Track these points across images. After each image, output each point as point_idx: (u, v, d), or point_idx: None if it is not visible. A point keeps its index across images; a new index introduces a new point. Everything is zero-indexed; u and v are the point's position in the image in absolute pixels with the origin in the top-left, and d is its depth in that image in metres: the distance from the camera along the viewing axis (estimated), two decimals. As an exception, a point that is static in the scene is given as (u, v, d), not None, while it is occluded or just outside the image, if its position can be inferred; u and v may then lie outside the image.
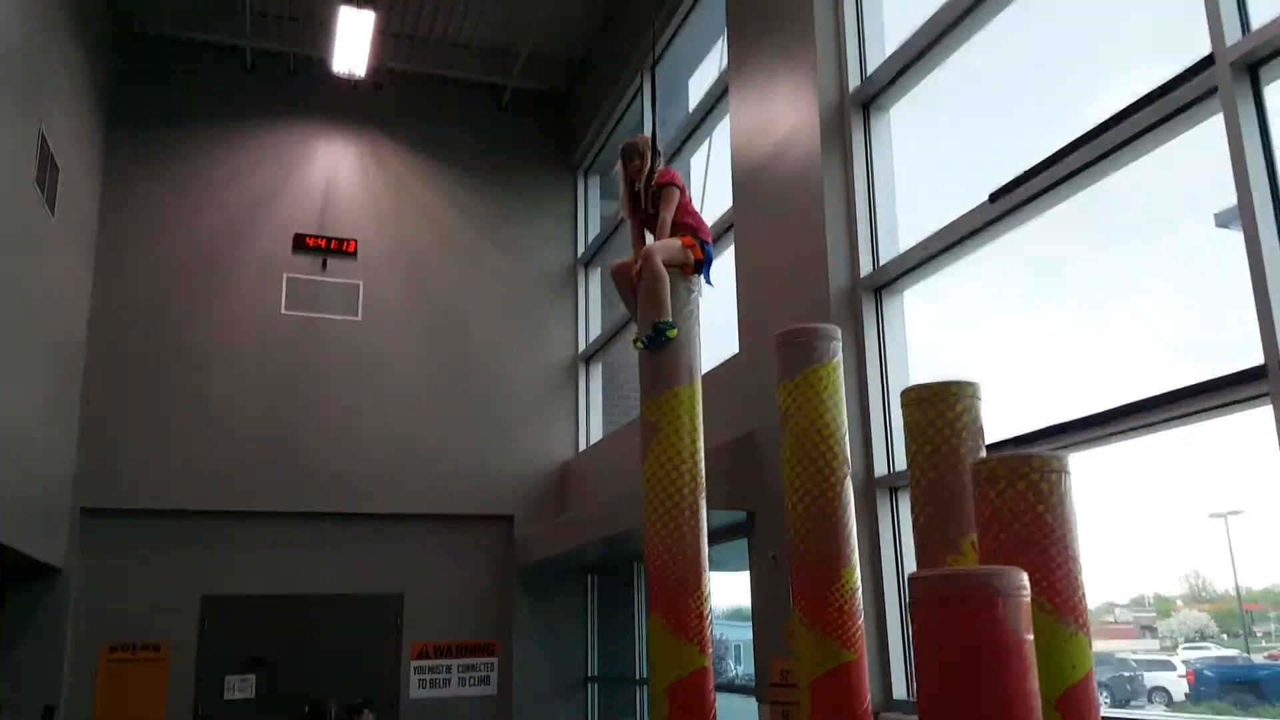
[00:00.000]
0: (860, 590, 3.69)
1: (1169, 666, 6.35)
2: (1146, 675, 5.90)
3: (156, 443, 9.33)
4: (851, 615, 3.59)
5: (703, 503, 4.02)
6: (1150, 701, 5.62)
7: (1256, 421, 3.60)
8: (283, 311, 9.94)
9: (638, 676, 9.52)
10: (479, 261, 10.84)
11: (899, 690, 5.16)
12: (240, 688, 9.41)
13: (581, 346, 11.00)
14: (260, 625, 9.56)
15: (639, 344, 4.06)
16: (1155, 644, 5.57)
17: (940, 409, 3.37)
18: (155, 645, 9.20)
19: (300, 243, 10.12)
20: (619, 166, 4.55)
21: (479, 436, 10.39)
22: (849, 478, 3.76)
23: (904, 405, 3.49)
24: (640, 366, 4.20)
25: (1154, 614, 5.51)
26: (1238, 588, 4.93)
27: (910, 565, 5.35)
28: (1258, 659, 5.21)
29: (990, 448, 3.52)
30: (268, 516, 9.66)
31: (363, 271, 10.31)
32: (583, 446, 10.72)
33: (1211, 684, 5.47)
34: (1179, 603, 5.49)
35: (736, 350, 6.83)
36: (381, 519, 10.02)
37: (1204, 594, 5.25)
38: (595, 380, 10.94)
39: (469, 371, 10.52)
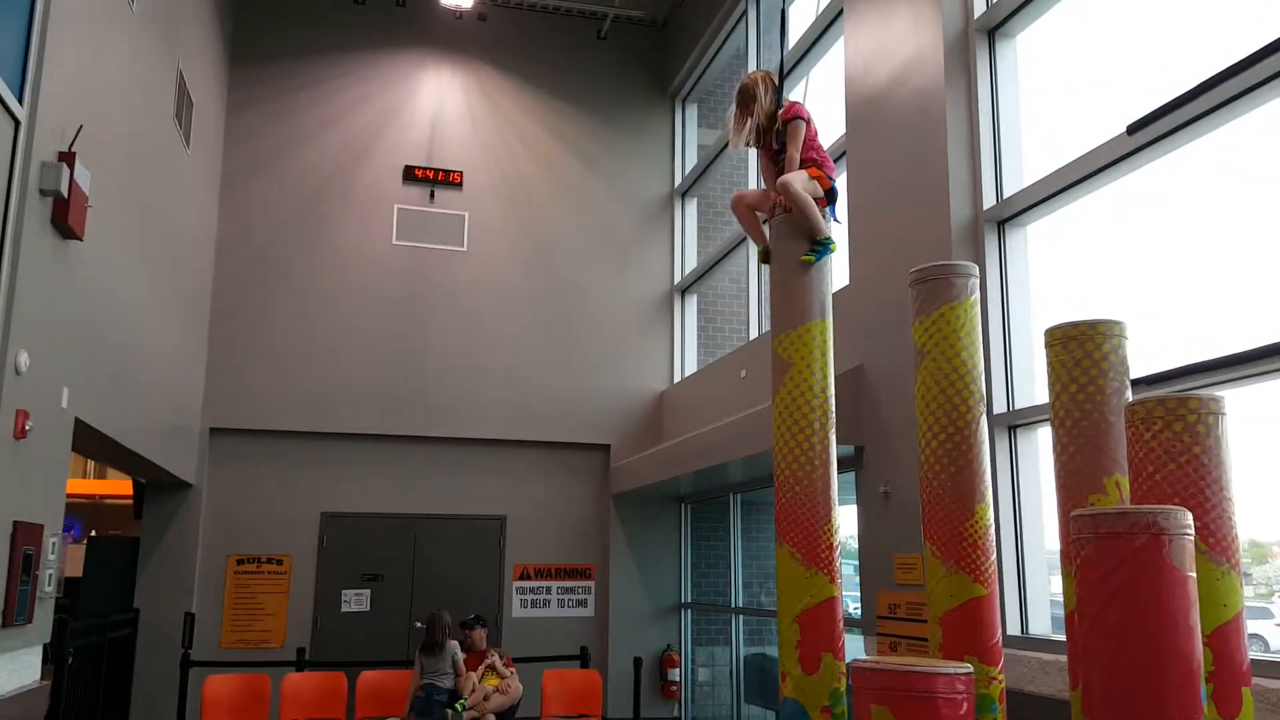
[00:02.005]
0: (992, 528, 3.74)
1: (1266, 614, 6.24)
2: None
3: (277, 368, 9.79)
4: (985, 551, 3.64)
5: (833, 437, 4.09)
6: (1245, 649, 5.56)
7: None
8: (394, 242, 10.21)
9: (732, 604, 9.77)
10: (578, 192, 10.93)
11: (1012, 625, 5.22)
12: (356, 601, 9.95)
13: (678, 278, 11.05)
14: (374, 542, 10.05)
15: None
16: (1250, 591, 5.48)
17: (1087, 348, 3.35)
18: (279, 559, 9.76)
19: (410, 174, 10.36)
20: (734, 110, 4.50)
21: (577, 366, 10.61)
22: (984, 415, 3.78)
23: (1048, 344, 3.47)
24: (771, 301, 4.24)
25: (1248, 560, 5.42)
26: None
27: (1029, 505, 5.36)
28: None
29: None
30: (380, 439, 10.09)
31: (468, 202, 10.50)
32: (677, 378, 10.85)
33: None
34: (1276, 548, 5.39)
35: (846, 283, 6.80)
36: (485, 444, 10.37)
37: None
38: (690, 312, 11.01)
39: (567, 302, 10.70)
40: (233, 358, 9.69)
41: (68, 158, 4.84)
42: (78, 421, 5.42)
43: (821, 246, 4.14)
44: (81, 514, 12.97)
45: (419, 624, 7.85)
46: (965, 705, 2.35)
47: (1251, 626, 5.92)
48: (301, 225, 10.09)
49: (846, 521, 6.81)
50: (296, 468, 9.89)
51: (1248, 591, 5.46)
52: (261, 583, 9.69)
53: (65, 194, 4.78)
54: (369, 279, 10.17)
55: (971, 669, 2.43)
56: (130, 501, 9.82)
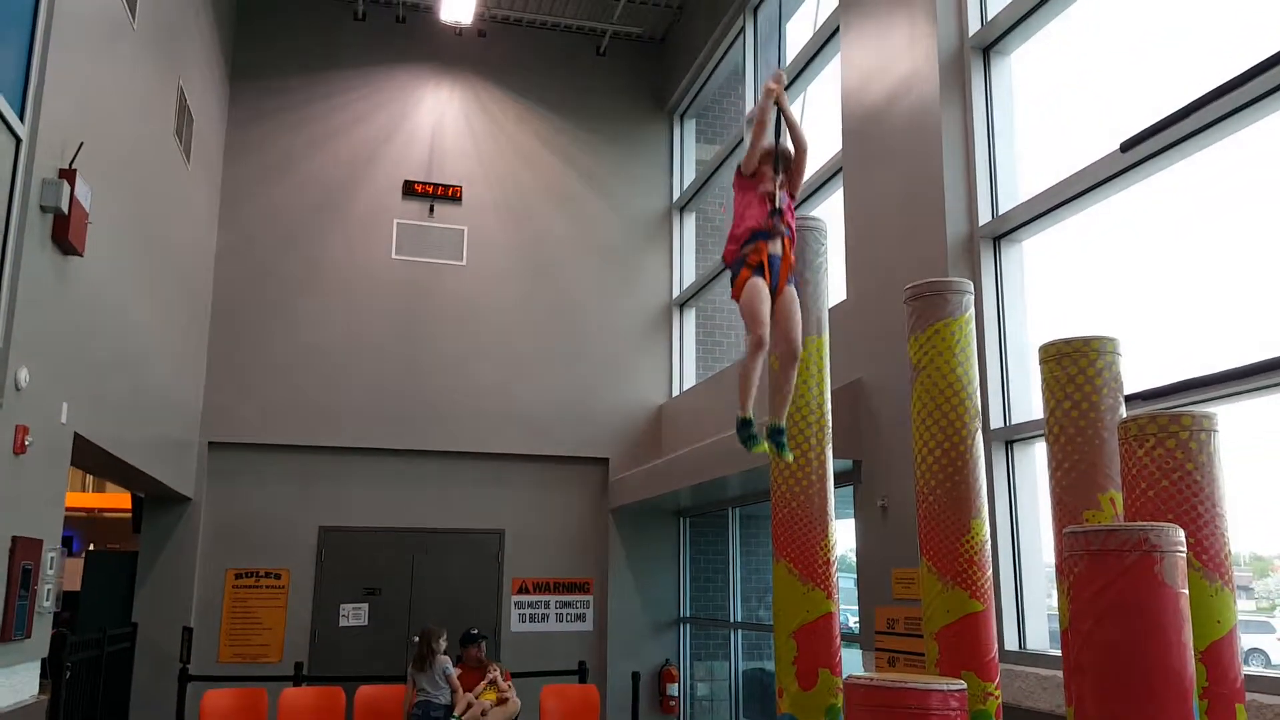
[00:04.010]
0: (988, 543, 3.75)
1: (1268, 629, 6.22)
2: (1243, 637, 5.88)
3: (276, 382, 9.82)
4: (981, 566, 3.65)
5: (829, 452, 4.11)
6: (1246, 664, 5.55)
7: None
8: (393, 256, 10.24)
9: (730, 619, 9.76)
10: (576, 206, 10.98)
11: (1010, 640, 5.22)
12: (354, 615, 9.94)
13: (676, 292, 11.08)
14: (373, 557, 10.05)
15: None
16: (1252, 605, 5.48)
17: (1081, 364, 3.38)
18: (277, 573, 9.75)
19: (409, 189, 10.40)
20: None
21: (576, 380, 10.63)
22: (979, 431, 3.80)
23: (1043, 360, 3.50)
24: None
25: (1250, 574, 5.42)
26: None
27: (1026, 519, 5.37)
28: None
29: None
30: (379, 453, 10.11)
31: (467, 217, 10.55)
32: (676, 391, 10.87)
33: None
34: (1277, 563, 5.38)
35: (844, 297, 6.83)
36: (484, 458, 10.38)
37: None
38: (689, 325, 11.05)
39: (566, 316, 10.74)
40: (231, 372, 9.71)
41: (68, 174, 4.87)
42: (77, 436, 5.43)
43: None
44: (79, 527, 12.95)
45: (415, 638, 7.83)
46: (959, 721, 2.36)
47: (1253, 641, 5.89)
48: (301, 240, 10.13)
49: (845, 536, 6.83)
50: (295, 481, 9.90)
51: (1249, 605, 5.47)
52: (259, 596, 9.68)
53: (66, 210, 4.81)
54: (368, 293, 10.21)
55: (965, 685, 2.44)
56: (129, 515, 9.81)
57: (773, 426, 3.84)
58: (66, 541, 8.89)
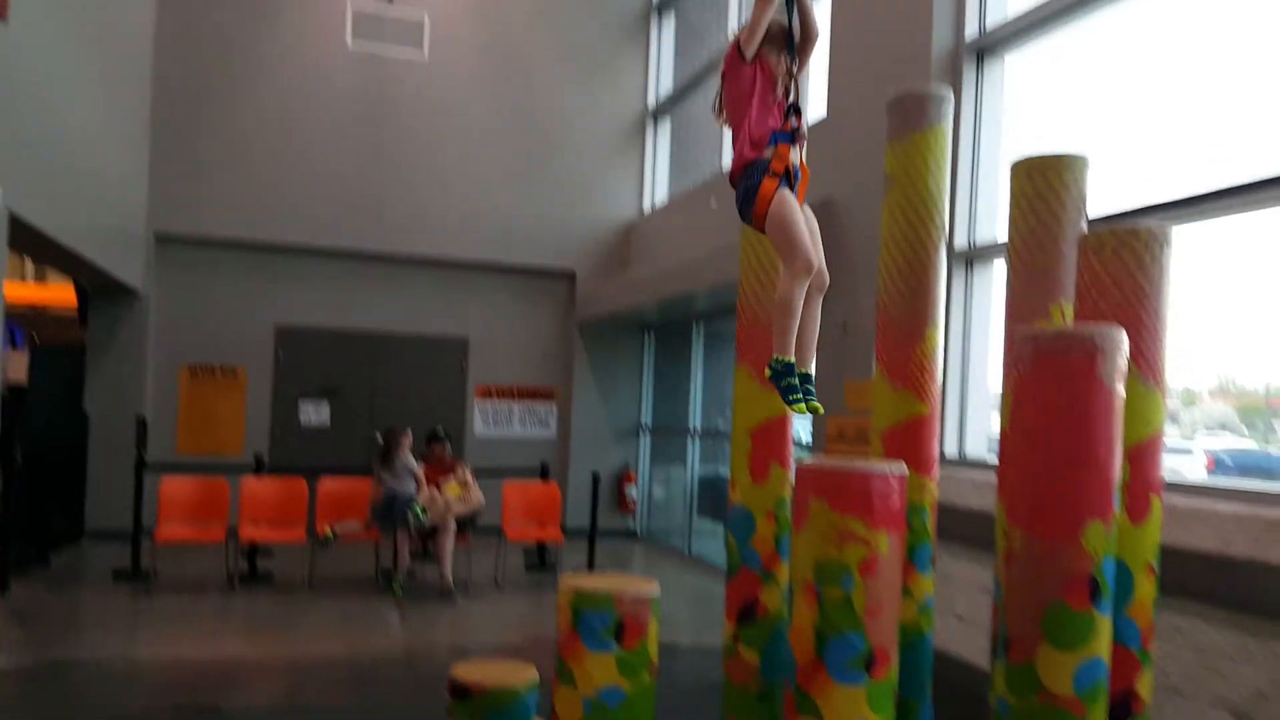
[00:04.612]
0: (940, 351, 3.87)
1: (1188, 452, 6.61)
2: (1165, 460, 6.26)
3: (226, 174, 9.54)
4: (930, 372, 3.78)
5: (795, 260, 4.14)
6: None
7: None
8: (349, 46, 9.73)
9: (690, 427, 10.10)
10: (548, 1, 10.44)
11: (950, 449, 5.49)
12: (315, 414, 10.13)
13: (652, 101, 10.77)
14: (332, 358, 10.14)
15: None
16: (1175, 431, 5.77)
17: (1050, 180, 3.39)
18: (233, 370, 9.83)
19: (365, -30, 9.77)
20: None
21: (544, 190, 10.46)
22: (944, 243, 3.84)
23: (1013, 176, 3.51)
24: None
25: (1179, 404, 5.68)
26: (1267, 385, 5.05)
27: (977, 340, 5.53)
28: (1275, 452, 5.41)
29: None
30: (337, 254, 10.02)
31: (428, 2, 9.95)
32: (647, 207, 10.77)
33: (1229, 470, 5.74)
34: (1206, 395, 5.64)
35: (823, 115, 6.70)
36: (448, 265, 10.34)
37: (1231, 388, 5.38)
38: (664, 138, 10.81)
39: (535, 122, 10.43)
40: (178, 160, 9.39)
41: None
42: (12, 217, 5.30)
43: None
44: (23, 322, 12.81)
45: (378, 437, 8.04)
46: (897, 501, 2.51)
47: (1173, 463, 6.27)
48: (247, 19, 9.56)
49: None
50: (250, 278, 9.82)
51: (1174, 431, 5.77)
52: (216, 392, 9.79)
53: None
54: (324, 84, 9.79)
55: (905, 469, 2.58)
56: (75, 312, 9.72)
57: (803, 375, 3.17)
58: (9, 334, 8.82)
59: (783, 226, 3.02)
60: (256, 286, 9.85)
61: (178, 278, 9.57)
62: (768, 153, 3.10)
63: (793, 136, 3.12)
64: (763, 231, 3.16)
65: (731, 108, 3.24)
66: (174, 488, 7.51)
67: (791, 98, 3.18)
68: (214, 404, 9.75)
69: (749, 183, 3.12)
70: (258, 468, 8.23)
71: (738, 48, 3.15)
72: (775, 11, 3.12)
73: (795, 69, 3.18)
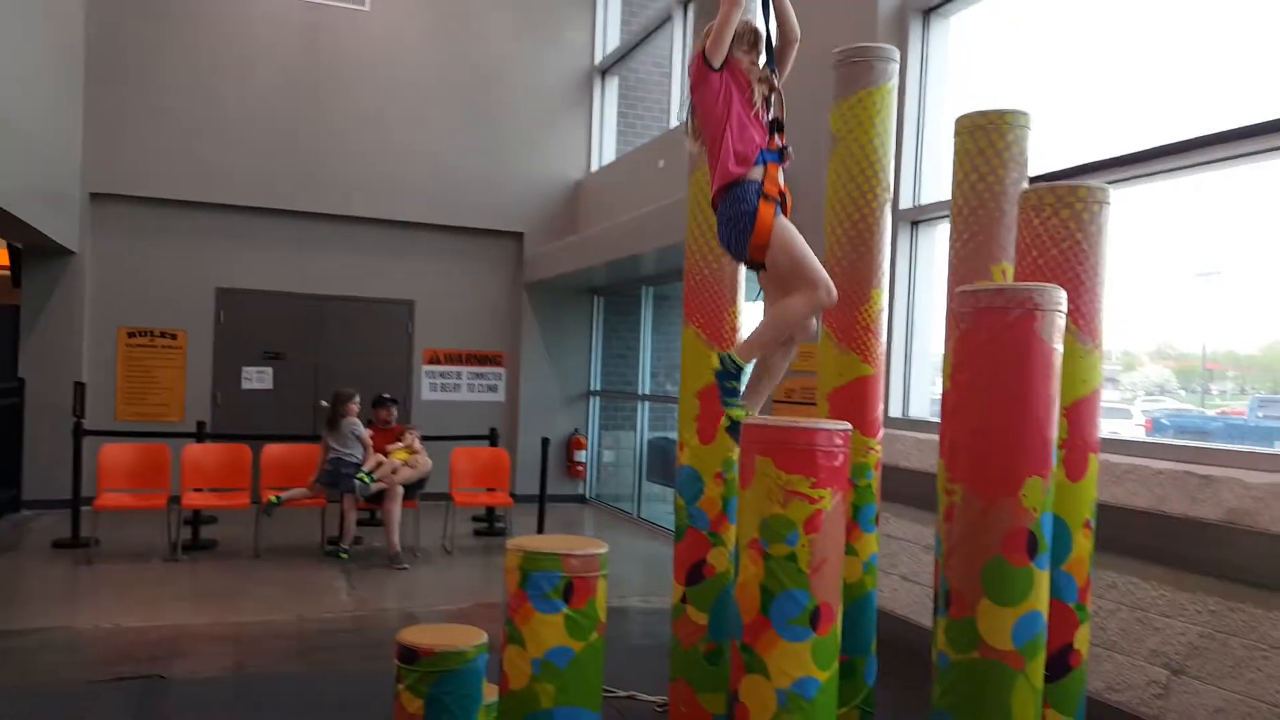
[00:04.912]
0: (885, 312, 3.89)
1: (1127, 415, 6.82)
2: (1105, 422, 6.44)
3: (163, 132, 9.24)
4: (875, 333, 3.80)
5: (742, 220, 4.12)
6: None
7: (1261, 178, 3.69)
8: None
9: (639, 392, 10.10)
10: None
11: (895, 410, 5.56)
12: (258, 378, 9.94)
13: (599, 57, 10.62)
14: (275, 321, 9.94)
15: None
16: (1116, 395, 5.92)
17: (992, 138, 3.40)
18: (172, 333, 9.59)
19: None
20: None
21: (490, 148, 10.30)
22: (889, 203, 3.85)
23: (957, 133, 3.51)
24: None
25: (1119, 368, 5.82)
26: (1204, 348, 5.20)
27: (921, 303, 5.58)
28: (1210, 414, 5.58)
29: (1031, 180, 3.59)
30: (279, 214, 9.78)
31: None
32: (595, 167, 10.66)
33: (1166, 432, 5.91)
34: (1145, 358, 5.78)
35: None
36: (392, 226, 10.16)
37: (1170, 352, 5.52)
38: (611, 95, 10.68)
39: (480, 78, 10.25)
40: (113, 118, 9.06)
41: None
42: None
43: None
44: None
45: (324, 402, 7.91)
46: (841, 459, 2.52)
47: (1113, 425, 6.45)
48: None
49: (757, 317, 7.01)
50: (188, 240, 9.55)
51: (1114, 395, 5.91)
52: (155, 356, 9.55)
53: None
54: (263, 36, 9.50)
55: (850, 426, 2.59)
56: (8, 273, 9.39)
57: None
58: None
59: (792, 253, 2.77)
60: (196, 247, 9.58)
61: (115, 238, 9.27)
62: (756, 173, 2.79)
63: (780, 155, 2.86)
64: (760, 266, 2.87)
65: (705, 123, 2.89)
66: (114, 454, 7.33)
67: (773, 112, 2.89)
68: (154, 368, 9.51)
69: (740, 208, 2.78)
70: (200, 434, 8.06)
71: (703, 57, 2.82)
72: (744, 12, 2.82)
73: (776, 79, 2.90)
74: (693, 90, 2.90)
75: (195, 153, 9.32)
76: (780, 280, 2.80)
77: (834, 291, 2.76)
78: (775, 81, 2.89)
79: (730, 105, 2.79)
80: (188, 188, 9.36)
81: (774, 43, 2.90)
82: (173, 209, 9.44)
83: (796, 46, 3.00)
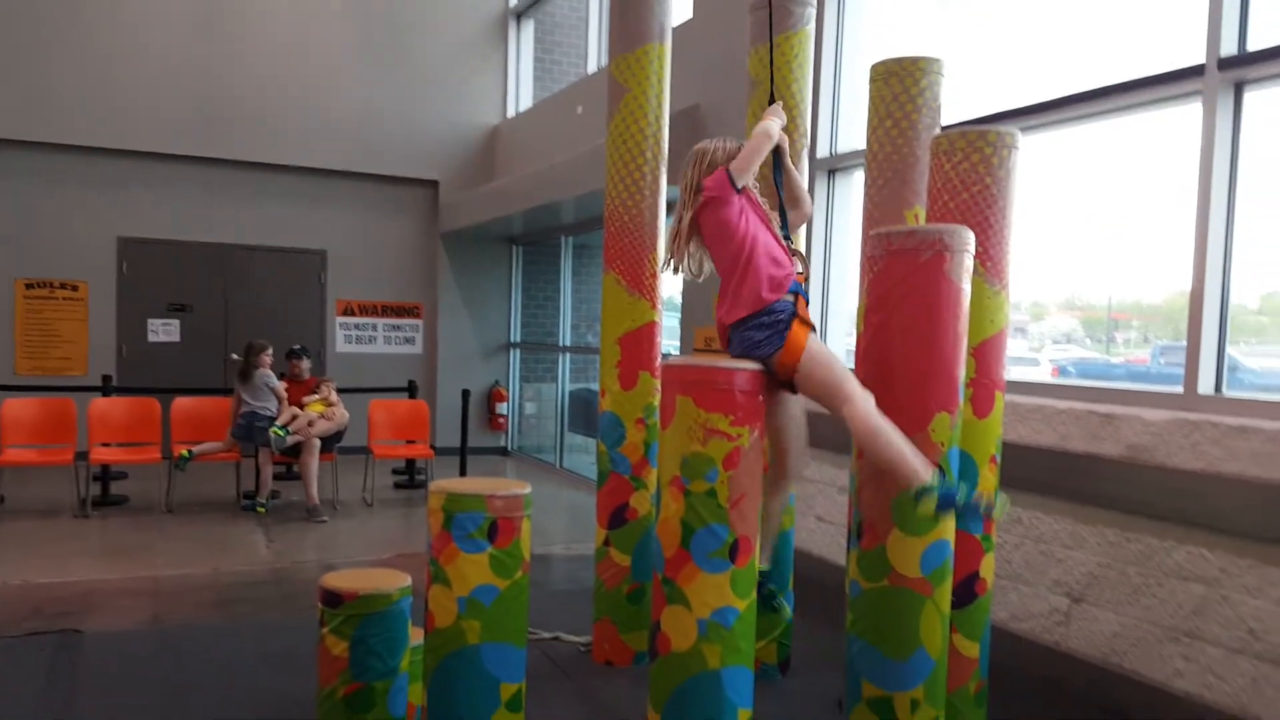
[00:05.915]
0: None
1: (1035, 363, 7.12)
2: (1013, 369, 6.71)
3: (63, 74, 8.76)
4: (793, 277, 3.87)
5: (663, 173, 4.12)
6: (1014, 392, 6.34)
7: (1177, 124, 3.86)
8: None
9: (560, 343, 10.09)
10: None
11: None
12: (165, 331, 9.61)
13: (513, 0, 10.41)
14: (181, 272, 9.60)
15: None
16: (1025, 344, 6.15)
17: (906, 84, 3.45)
18: (73, 285, 9.18)
19: None
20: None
21: (403, 92, 10.04)
22: (806, 150, 3.89)
23: (872, 80, 3.55)
24: (611, 22, 4.09)
25: (1028, 318, 6.05)
26: (1110, 298, 5.44)
27: (840, 244, 5.69)
28: (1115, 361, 5.86)
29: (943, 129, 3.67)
30: (183, 161, 9.39)
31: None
32: (511, 112, 10.49)
33: (1072, 378, 6.19)
34: (1053, 309, 6.01)
35: (690, 16, 6.62)
36: (301, 172, 9.85)
37: (1077, 303, 5.75)
38: (527, 39, 10.49)
39: (393, 19, 9.95)
40: (7, 59, 8.54)
41: None
42: None
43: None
44: None
45: (235, 356, 7.69)
46: (759, 396, 2.58)
47: (1022, 374, 6.73)
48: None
49: (673, 282, 7.05)
50: (88, 187, 9.11)
51: (1022, 345, 6.14)
52: (56, 309, 9.14)
53: None
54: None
55: (763, 367, 2.65)
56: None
57: (763, 572, 2.92)
58: None
59: (827, 364, 2.62)
60: (96, 195, 9.15)
61: (9, 185, 8.79)
62: (788, 298, 2.67)
63: (802, 288, 2.76)
64: (791, 386, 2.73)
65: (720, 242, 2.74)
66: (16, 409, 7.04)
67: (789, 238, 2.87)
68: (54, 321, 9.11)
69: (769, 331, 2.63)
70: (105, 387, 7.77)
71: (729, 175, 2.71)
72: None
73: (790, 242, 2.87)
74: (704, 208, 2.76)
75: (96, 95, 8.85)
76: (826, 393, 2.66)
77: (870, 398, 2.61)
78: (790, 247, 2.86)
79: (754, 228, 2.73)
80: (88, 132, 8.90)
81: (783, 199, 2.96)
82: (71, 154, 8.97)
83: (809, 218, 3.07)
